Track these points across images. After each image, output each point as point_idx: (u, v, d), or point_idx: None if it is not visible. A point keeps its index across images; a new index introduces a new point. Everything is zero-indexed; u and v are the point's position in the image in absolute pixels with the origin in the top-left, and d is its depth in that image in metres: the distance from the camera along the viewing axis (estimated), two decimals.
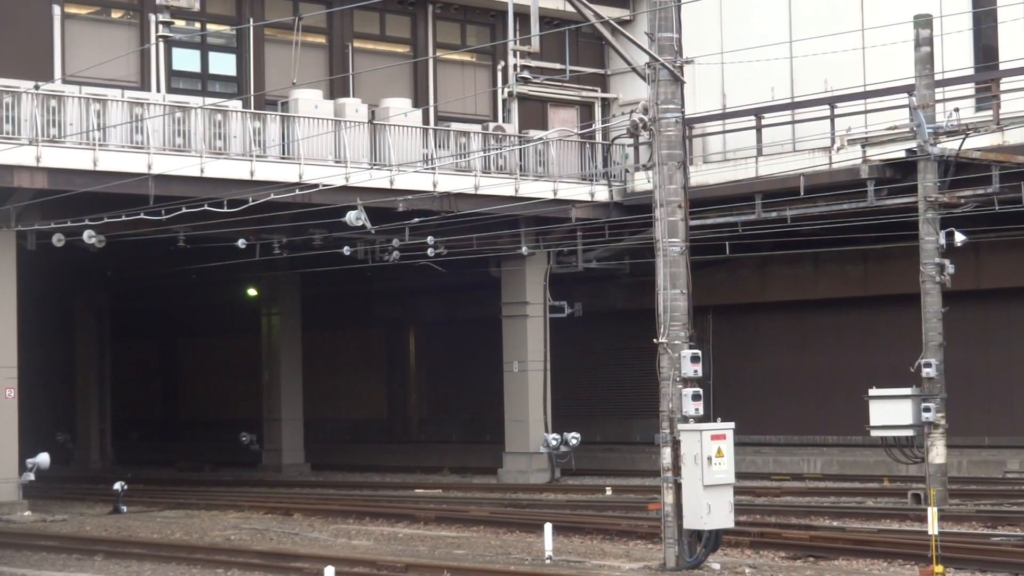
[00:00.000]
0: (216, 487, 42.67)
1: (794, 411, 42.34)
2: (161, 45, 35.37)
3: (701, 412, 21.96)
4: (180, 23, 36.73)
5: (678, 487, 21.76)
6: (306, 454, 48.58)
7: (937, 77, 32.09)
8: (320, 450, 49.68)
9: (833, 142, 37.12)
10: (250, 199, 33.00)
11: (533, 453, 41.22)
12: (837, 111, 37.60)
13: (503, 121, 41.82)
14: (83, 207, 33.48)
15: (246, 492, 40.14)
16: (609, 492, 36.27)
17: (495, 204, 37.95)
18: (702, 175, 38.63)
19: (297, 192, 34.11)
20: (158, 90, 36.02)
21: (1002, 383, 38.92)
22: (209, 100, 36.08)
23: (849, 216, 36.41)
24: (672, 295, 22.08)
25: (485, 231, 39.17)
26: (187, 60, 37.33)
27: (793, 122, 39.08)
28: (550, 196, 38.86)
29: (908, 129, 33.01)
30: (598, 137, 42.57)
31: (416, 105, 39.44)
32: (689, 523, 21.64)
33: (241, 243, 36.23)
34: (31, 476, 34.31)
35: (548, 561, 23.17)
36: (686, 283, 22.18)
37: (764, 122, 39.43)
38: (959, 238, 30.78)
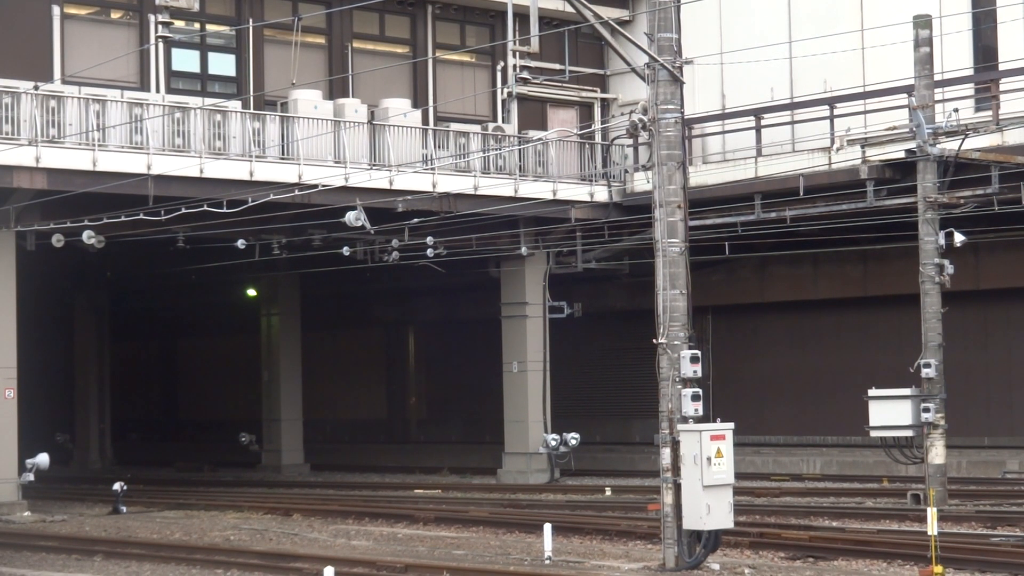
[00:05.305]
0: (215, 487, 42.64)
1: (793, 411, 42.33)
2: (160, 45, 35.39)
3: (700, 412, 21.96)
4: (179, 23, 36.76)
5: (677, 487, 21.76)
6: (306, 454, 48.58)
7: (936, 77, 32.06)
8: (320, 450, 49.66)
9: (832, 142, 37.10)
10: (249, 199, 33.01)
11: (532, 453, 41.21)
12: (836, 111, 37.59)
13: (502, 121, 41.81)
14: (82, 207, 33.49)
15: (245, 492, 40.11)
16: (608, 492, 36.26)
17: (494, 204, 37.95)
18: (701, 175, 38.62)
19: (296, 192, 34.14)
20: (157, 90, 36.02)
21: (1002, 383, 38.91)
22: (208, 100, 36.08)
23: (848, 216, 36.40)
24: (671, 295, 22.08)
25: (484, 231, 39.16)
26: (186, 60, 37.34)
27: (792, 122, 39.06)
28: (549, 196, 38.85)
29: (907, 129, 33.02)
30: (597, 137, 42.57)
31: (415, 105, 39.44)
32: (688, 523, 21.64)
33: (240, 243, 36.24)
34: (31, 476, 34.30)
35: (547, 561, 23.16)
36: (685, 283, 22.17)
37: (763, 122, 39.41)
38: (958, 238, 30.77)
